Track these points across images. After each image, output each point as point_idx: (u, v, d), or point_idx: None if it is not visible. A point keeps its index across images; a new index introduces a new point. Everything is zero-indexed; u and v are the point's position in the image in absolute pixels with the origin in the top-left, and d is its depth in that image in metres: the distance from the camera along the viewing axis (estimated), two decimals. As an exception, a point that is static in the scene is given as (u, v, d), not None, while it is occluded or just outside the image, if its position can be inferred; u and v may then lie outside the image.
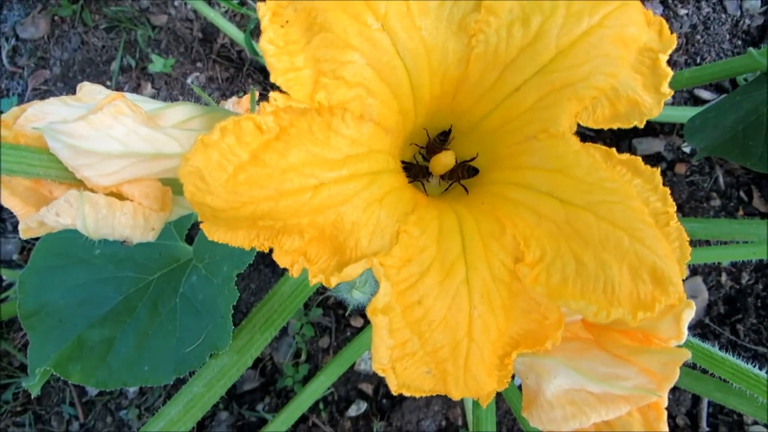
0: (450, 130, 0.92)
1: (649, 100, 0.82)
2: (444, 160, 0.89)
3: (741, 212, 2.27)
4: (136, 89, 2.43)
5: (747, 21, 2.47)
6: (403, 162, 0.91)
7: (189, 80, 2.43)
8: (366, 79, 0.73)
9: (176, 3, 2.51)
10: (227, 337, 1.13)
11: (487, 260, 0.75)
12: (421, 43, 0.76)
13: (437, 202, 0.82)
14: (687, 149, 2.34)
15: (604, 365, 0.78)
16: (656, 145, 2.33)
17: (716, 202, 2.28)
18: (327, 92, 0.71)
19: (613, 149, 0.82)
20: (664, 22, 0.85)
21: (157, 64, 2.38)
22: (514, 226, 0.76)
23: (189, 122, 0.80)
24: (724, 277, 2.22)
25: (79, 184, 0.74)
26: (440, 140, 0.91)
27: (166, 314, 1.25)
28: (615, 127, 0.84)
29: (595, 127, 0.85)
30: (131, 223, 0.75)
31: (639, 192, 0.79)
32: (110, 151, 0.71)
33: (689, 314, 0.74)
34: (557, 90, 0.80)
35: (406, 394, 0.74)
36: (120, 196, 0.76)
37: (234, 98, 1.25)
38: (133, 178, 0.75)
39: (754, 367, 1.17)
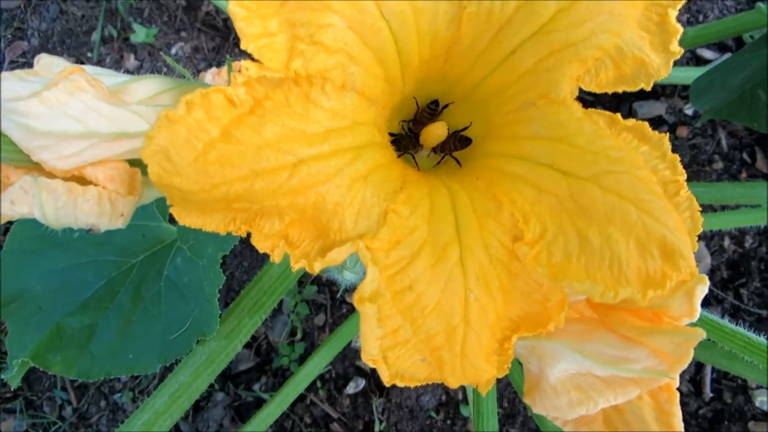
0: (439, 102, 0.86)
1: (657, 59, 0.76)
2: (435, 131, 0.82)
3: (744, 174, 2.21)
4: (119, 61, 2.34)
5: (750, -25, 2.38)
6: (391, 134, 0.84)
7: (173, 51, 2.35)
8: (347, 44, 0.67)
9: (157, -30, 2.40)
10: (214, 322, 1.08)
11: (483, 240, 0.69)
12: (408, 3, 0.68)
13: (428, 177, 0.76)
14: (689, 111, 2.27)
15: (612, 347, 0.72)
16: (657, 108, 2.26)
17: (719, 165, 2.22)
18: (304, 60, 0.65)
19: (618, 115, 0.76)
20: (672, -27, 0.79)
21: (140, 34, 2.29)
22: (511, 202, 0.70)
23: (158, 97, 0.73)
24: (727, 242, 2.17)
25: (37, 167, 0.68)
26: (431, 110, 0.84)
27: (150, 299, 1.20)
28: (620, 90, 0.78)
29: (599, 91, 0.78)
30: (96, 210, 0.68)
31: (646, 160, 0.74)
32: (67, 131, 0.65)
33: (702, 290, 0.69)
34: (557, 51, 0.73)
35: (400, 384, 0.69)
36: (83, 180, 0.69)
37: (213, 69, 1.18)
38: (95, 160, 0.69)
39: (759, 332, 1.13)
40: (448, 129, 0.84)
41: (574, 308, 0.77)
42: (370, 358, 0.66)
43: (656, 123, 2.26)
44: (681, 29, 0.76)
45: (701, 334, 0.69)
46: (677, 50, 0.75)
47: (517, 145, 0.76)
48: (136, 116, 0.67)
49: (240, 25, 0.62)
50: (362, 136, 0.69)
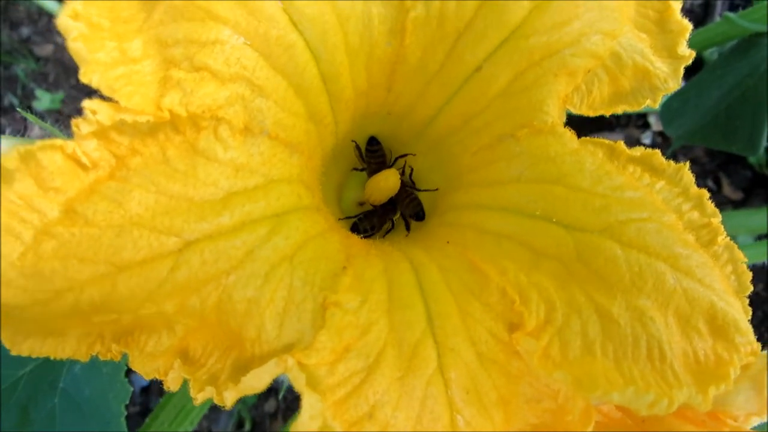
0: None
1: (664, 67, 0.59)
2: (383, 184, 0.62)
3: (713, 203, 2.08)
4: (22, 131, 2.09)
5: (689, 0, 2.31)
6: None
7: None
8: (247, 68, 0.47)
9: (62, 31, 2.18)
10: (122, 446, 0.84)
11: (467, 333, 0.48)
12: (329, 7, 0.49)
13: (381, 245, 0.55)
14: (647, 140, 2.15)
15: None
16: (614, 139, 2.11)
17: (684, 194, 2.09)
18: (184, 93, 0.45)
19: (620, 142, 0.58)
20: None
21: (44, 101, 2.05)
22: (500, 273, 0.50)
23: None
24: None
25: None
26: (373, 153, 0.63)
27: (41, 421, 0.95)
28: (620, 110, 0.61)
29: (592, 114, 0.62)
30: None
31: (665, 199, 0.56)
32: None
33: (776, 376, 0.49)
34: (538, 62, 0.55)
35: None
36: None
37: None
38: None
39: None
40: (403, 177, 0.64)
41: (596, 409, 0.56)
42: None
43: (615, 155, 2.13)
44: (689, 27, 0.59)
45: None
46: (687, 54, 0.59)
47: (495, 193, 0.56)
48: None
49: (75, 47, 0.41)
50: (282, 197, 0.49)
